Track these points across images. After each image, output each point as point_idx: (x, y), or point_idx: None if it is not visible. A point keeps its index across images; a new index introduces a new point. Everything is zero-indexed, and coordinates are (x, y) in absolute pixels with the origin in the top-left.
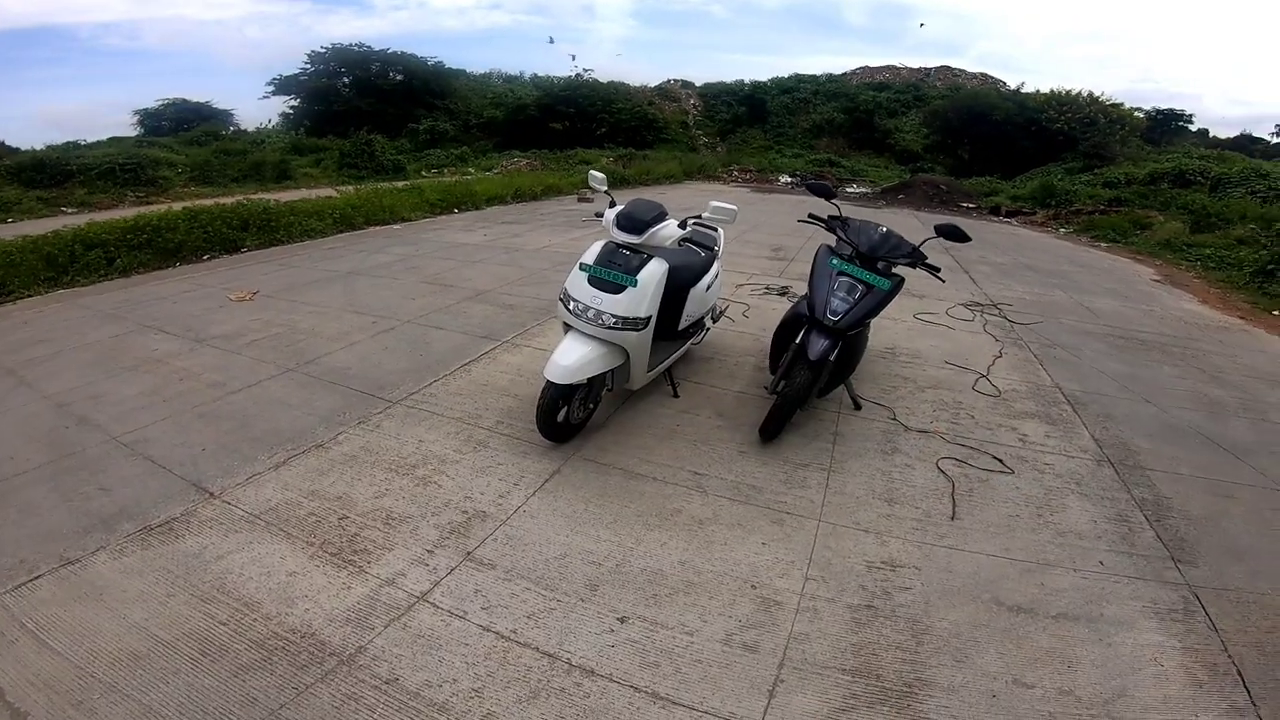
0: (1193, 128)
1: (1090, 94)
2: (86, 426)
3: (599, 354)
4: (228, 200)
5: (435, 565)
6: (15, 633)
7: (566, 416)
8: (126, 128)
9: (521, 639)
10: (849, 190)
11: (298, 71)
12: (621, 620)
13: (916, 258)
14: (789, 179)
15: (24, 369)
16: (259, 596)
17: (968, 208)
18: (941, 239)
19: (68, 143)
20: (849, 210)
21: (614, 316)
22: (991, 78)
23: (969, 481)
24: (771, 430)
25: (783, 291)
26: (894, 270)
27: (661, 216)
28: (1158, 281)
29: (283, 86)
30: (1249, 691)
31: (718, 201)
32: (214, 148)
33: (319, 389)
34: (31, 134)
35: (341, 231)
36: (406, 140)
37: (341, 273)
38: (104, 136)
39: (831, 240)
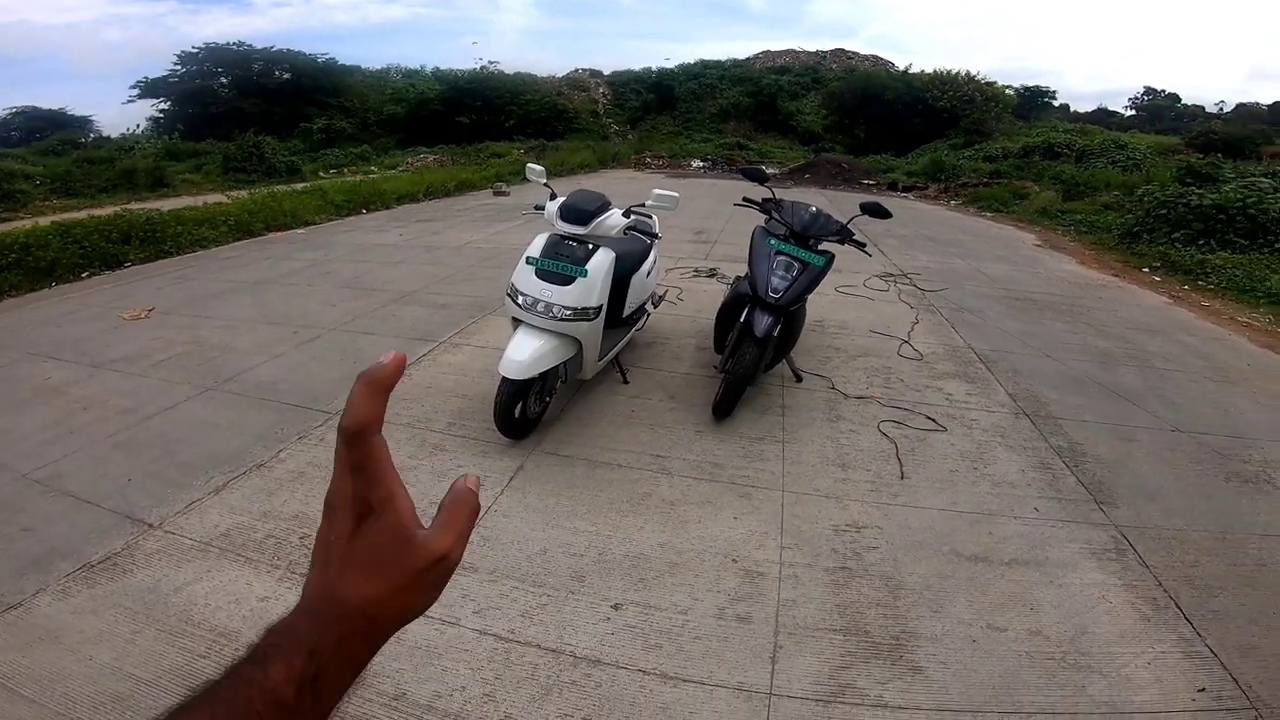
0: (1056, 103)
1: (968, 73)
2: None
3: (552, 346)
4: (102, 212)
5: None
6: None
7: (523, 411)
8: None
9: (521, 638)
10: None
11: (166, 73)
12: (615, 607)
13: (845, 234)
14: (700, 163)
15: None
16: (234, 625)
17: (868, 184)
18: (867, 216)
19: None
20: (760, 192)
21: (565, 308)
22: (882, 59)
23: (909, 441)
24: (725, 408)
25: (711, 273)
26: (823, 247)
27: (605, 206)
28: (1039, 246)
29: (149, 89)
30: (1191, 623)
31: (660, 189)
32: (74, 156)
33: (247, 406)
34: None
35: (239, 239)
36: (299, 140)
37: (248, 282)
38: None
39: (766, 223)
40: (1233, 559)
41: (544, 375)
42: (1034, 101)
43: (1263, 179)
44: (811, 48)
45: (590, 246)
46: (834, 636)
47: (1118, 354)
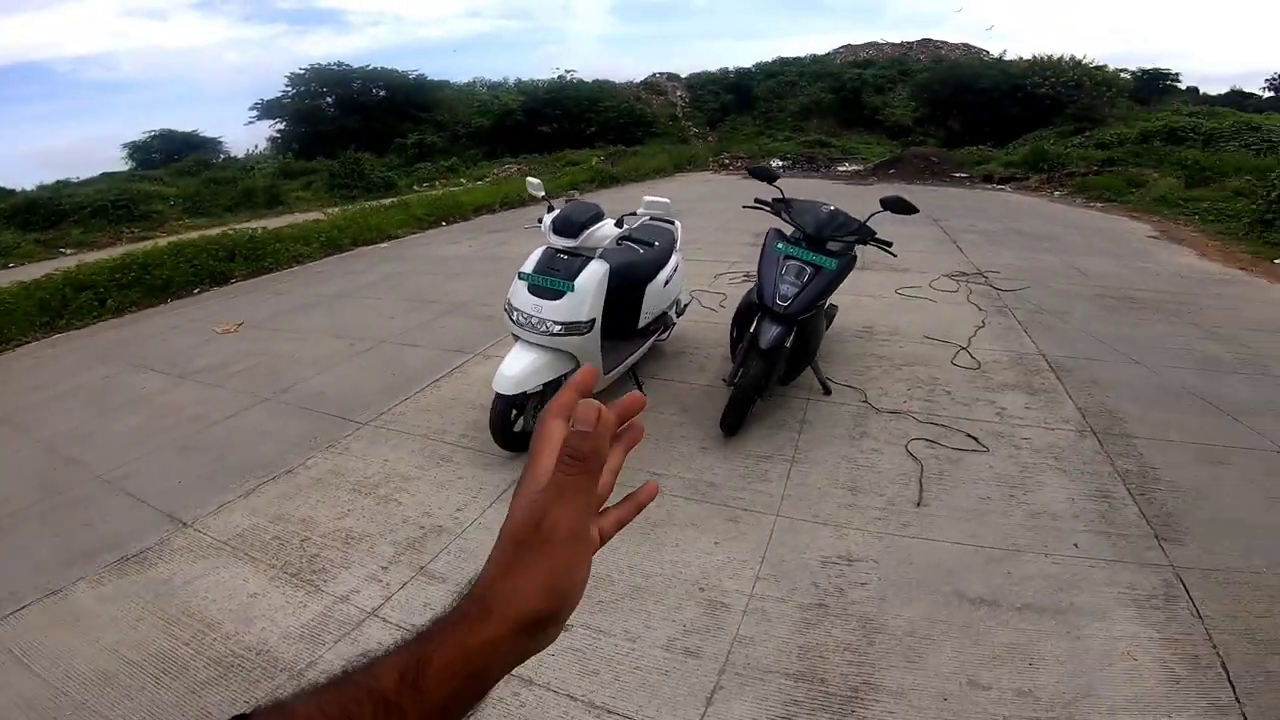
0: (1181, 86)
1: (1073, 58)
2: (75, 466)
3: (545, 361)
4: (213, 231)
5: (388, 581)
6: (3, 658)
7: (524, 425)
8: (118, 162)
9: None
10: (841, 169)
11: (280, 94)
12: (564, 629)
13: (864, 234)
14: (780, 163)
15: (19, 415)
16: (220, 617)
17: (960, 177)
18: (888, 212)
19: (58, 181)
20: (841, 189)
21: (556, 323)
22: (973, 47)
23: (939, 463)
24: (731, 424)
25: None
26: (839, 247)
27: (598, 217)
28: (1154, 238)
29: (266, 110)
30: (1233, 687)
31: (650, 196)
32: (204, 177)
33: (293, 416)
34: (25, 174)
35: (330, 254)
36: (395, 156)
37: (328, 296)
38: (96, 173)
39: (781, 225)
40: None
41: (545, 388)
42: (1154, 85)
43: None
44: (896, 39)
45: (583, 259)
46: (784, 682)
47: (1228, 360)
